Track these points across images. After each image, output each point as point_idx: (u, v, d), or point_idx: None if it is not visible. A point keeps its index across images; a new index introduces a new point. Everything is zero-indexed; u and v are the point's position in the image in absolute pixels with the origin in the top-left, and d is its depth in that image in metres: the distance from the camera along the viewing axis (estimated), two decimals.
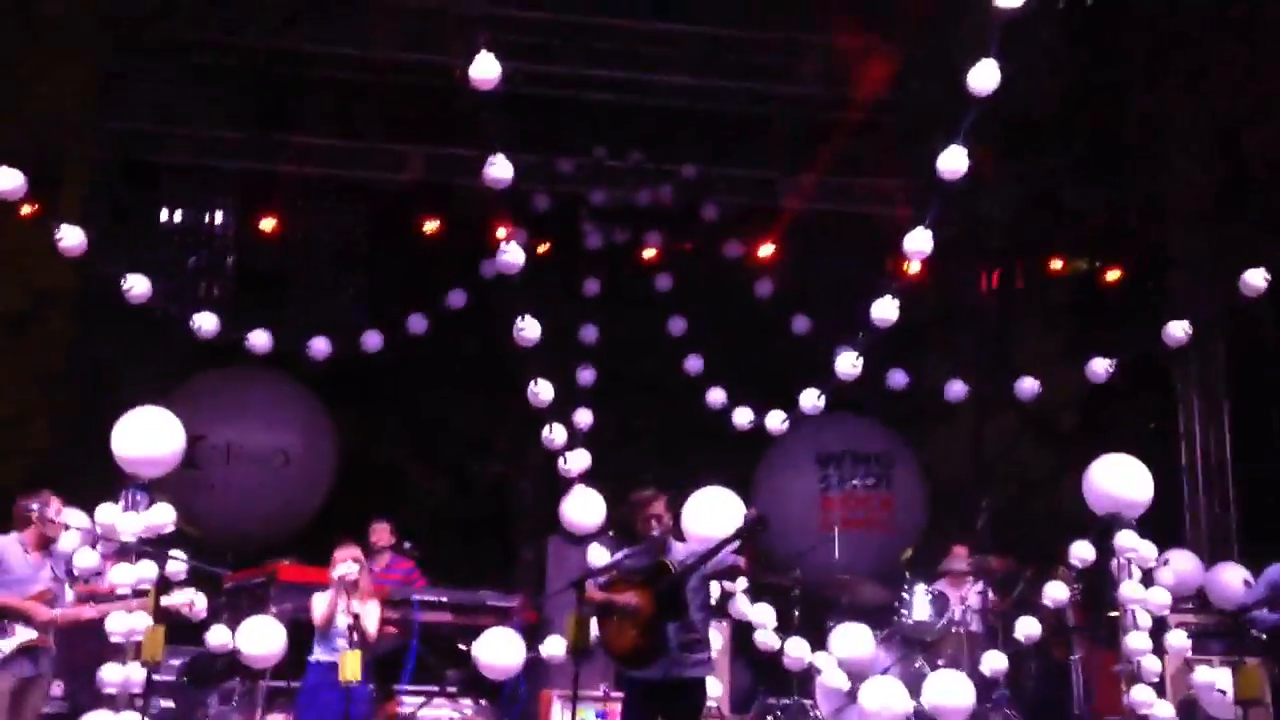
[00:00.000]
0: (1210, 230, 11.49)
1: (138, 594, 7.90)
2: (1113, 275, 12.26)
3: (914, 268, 9.67)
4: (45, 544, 7.02)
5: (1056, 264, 12.33)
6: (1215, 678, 8.23)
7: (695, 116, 11.83)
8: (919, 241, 8.30)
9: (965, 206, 11.50)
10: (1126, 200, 11.93)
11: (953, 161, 7.88)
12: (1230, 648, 8.15)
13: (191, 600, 7.86)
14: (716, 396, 10.70)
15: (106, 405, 8.84)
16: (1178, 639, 8.37)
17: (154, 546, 8.24)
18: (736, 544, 6.93)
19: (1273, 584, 7.35)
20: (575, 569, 8.50)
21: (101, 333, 10.95)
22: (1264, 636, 7.24)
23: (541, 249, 11.60)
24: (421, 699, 8.90)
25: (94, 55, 10.67)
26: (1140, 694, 7.97)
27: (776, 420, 9.78)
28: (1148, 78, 11.32)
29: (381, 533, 9.73)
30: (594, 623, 7.51)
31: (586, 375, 11.03)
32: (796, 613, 9.30)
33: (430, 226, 11.91)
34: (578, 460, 9.59)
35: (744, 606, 8.99)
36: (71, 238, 8.72)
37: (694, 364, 11.13)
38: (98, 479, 8.65)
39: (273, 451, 11.45)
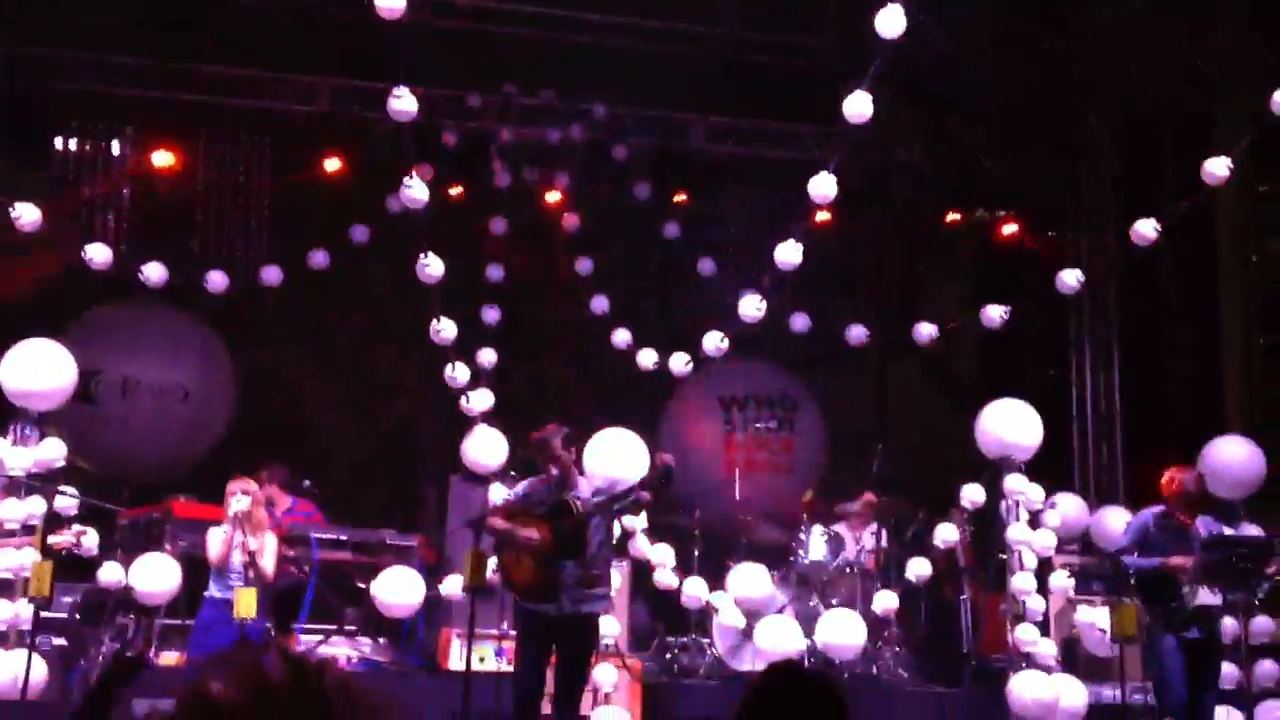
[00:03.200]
0: (1109, 182, 11.74)
1: (26, 530, 7.78)
2: (1012, 227, 12.45)
3: (820, 213, 9.79)
4: None
5: (959, 214, 12.48)
6: (1096, 617, 8.50)
7: (607, 54, 11.71)
8: (823, 186, 8.35)
9: (873, 154, 11.62)
10: (1031, 152, 12.11)
11: (858, 106, 7.93)
12: (1110, 588, 8.42)
13: (76, 539, 7.73)
14: (622, 337, 10.73)
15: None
16: (1060, 580, 8.63)
17: (45, 481, 8.09)
18: (649, 487, 7.04)
19: (1139, 530, 7.59)
20: (476, 508, 8.51)
21: None
22: (1132, 581, 7.49)
23: (454, 191, 11.48)
24: (319, 637, 8.88)
25: None
26: (1024, 633, 8.21)
27: (680, 362, 9.83)
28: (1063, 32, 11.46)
29: (274, 483, 9.43)
30: (492, 559, 7.58)
31: (492, 314, 10.97)
32: (696, 553, 9.41)
33: (336, 161, 11.71)
34: (480, 399, 9.57)
35: (644, 546, 9.08)
36: None
37: (600, 304, 11.13)
38: None
39: (171, 387, 11.27)
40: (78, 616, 8.83)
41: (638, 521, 8.90)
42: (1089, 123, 11.95)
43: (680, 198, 11.92)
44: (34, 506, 7.96)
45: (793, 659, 7.24)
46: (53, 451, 8.22)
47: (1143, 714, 7.57)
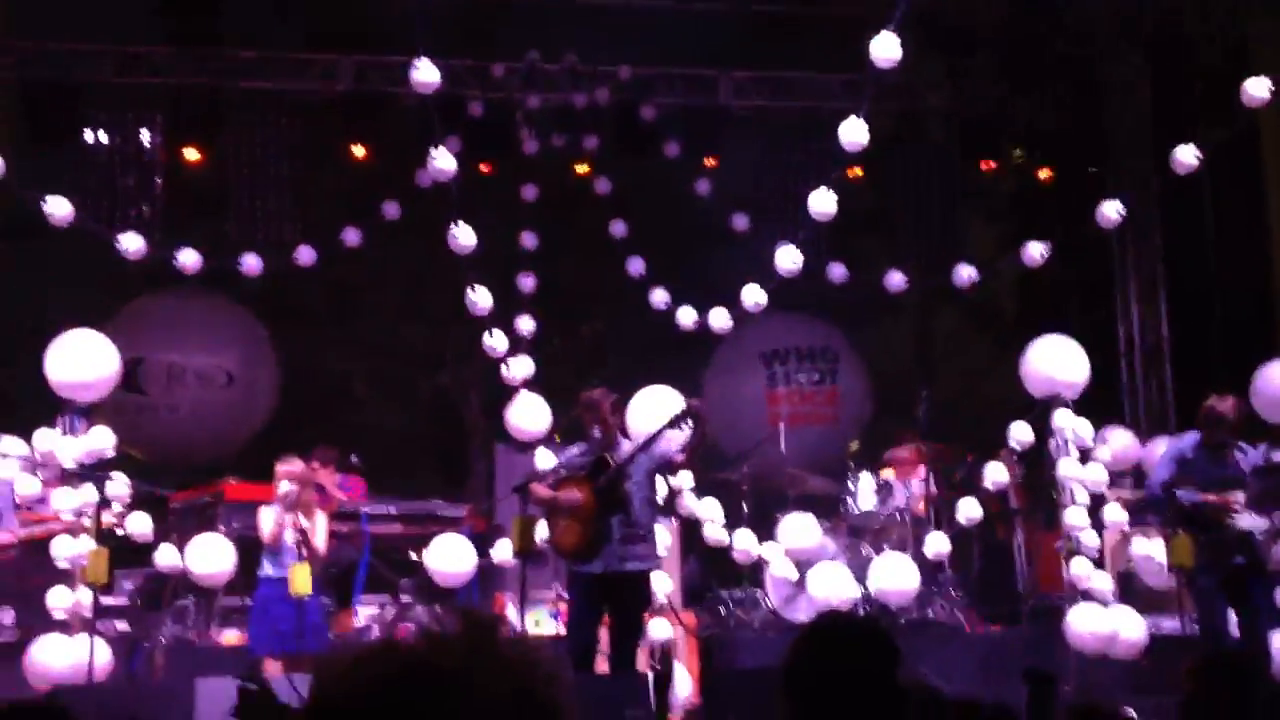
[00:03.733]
0: (1147, 113, 11.55)
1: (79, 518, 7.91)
2: (1052, 163, 12.26)
3: (854, 162, 9.65)
4: None
5: (995, 154, 12.31)
6: (1152, 549, 8.41)
7: (630, 14, 11.61)
8: (855, 132, 8.24)
9: (903, 98, 11.48)
10: (1065, 88, 11.92)
11: (885, 49, 7.82)
12: (1166, 520, 8.31)
13: (119, 519, 7.88)
14: (660, 297, 10.68)
15: (44, 331, 8.68)
16: (1115, 514, 8.54)
17: (96, 470, 8.19)
18: (680, 439, 7.04)
19: (1176, 459, 7.51)
20: (522, 475, 8.53)
21: (36, 258, 10.74)
22: (1168, 514, 7.43)
23: (484, 168, 11.45)
24: (376, 609, 8.97)
25: None
26: (1080, 568, 8.14)
27: (720, 319, 9.78)
28: None
29: (326, 468, 9.57)
30: (541, 524, 7.62)
31: (527, 282, 10.96)
32: (745, 507, 9.39)
33: (364, 137, 11.71)
34: (521, 367, 9.58)
35: (692, 503, 9.06)
36: None
37: (636, 266, 11.08)
38: (38, 406, 8.56)
39: (214, 371, 11.37)
40: (139, 601, 8.96)
41: (684, 479, 8.88)
42: (1121, 55, 11.76)
43: (710, 162, 11.78)
44: (87, 495, 8.06)
45: (839, 609, 7.23)
46: (102, 441, 8.31)
47: (1201, 643, 7.48)
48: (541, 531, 7.91)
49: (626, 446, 7.21)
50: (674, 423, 6.84)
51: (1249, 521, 7.20)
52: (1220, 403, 7.47)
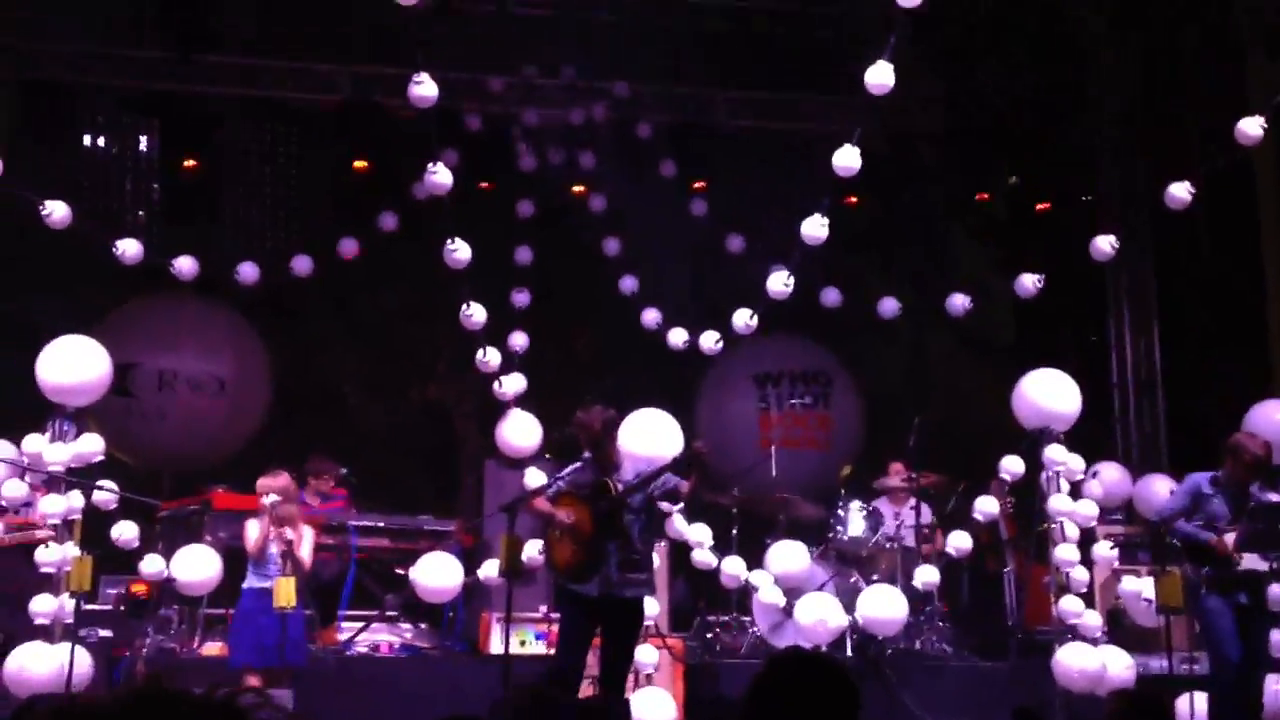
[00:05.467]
0: (1140, 145, 11.58)
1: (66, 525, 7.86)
2: (1045, 193, 12.30)
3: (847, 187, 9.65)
4: None
5: (990, 181, 12.35)
6: (1141, 587, 8.40)
7: (626, 31, 11.59)
8: (847, 159, 8.25)
9: (897, 123, 11.49)
10: (1059, 119, 11.95)
11: (879, 76, 7.84)
12: (1155, 557, 8.30)
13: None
14: (651, 317, 10.67)
15: (35, 335, 8.63)
16: (1104, 550, 8.53)
17: (85, 476, 8.15)
18: (677, 470, 7.04)
19: (1190, 494, 7.49)
20: (512, 492, 8.49)
21: (28, 261, 10.68)
22: (1176, 543, 7.41)
23: (483, 185, 11.44)
24: (361, 624, 8.93)
25: None
26: (1069, 604, 8.13)
27: (710, 340, 9.76)
28: None
29: (324, 476, 9.59)
30: (530, 544, 7.59)
31: (521, 298, 10.93)
32: (734, 531, 9.36)
33: (361, 147, 11.71)
34: (513, 383, 9.56)
35: (681, 525, 9.03)
36: None
37: (629, 284, 11.06)
38: (27, 410, 8.50)
39: (206, 378, 11.32)
40: (122, 609, 8.90)
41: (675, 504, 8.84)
42: (1118, 83, 11.80)
43: (699, 184, 11.79)
44: (74, 502, 8.01)
45: (799, 647, 7.19)
46: (91, 446, 8.27)
47: (1191, 683, 7.47)
48: (530, 551, 7.89)
49: (628, 468, 7.17)
50: (677, 465, 6.85)
51: (1256, 562, 7.20)
52: (1251, 440, 7.44)
